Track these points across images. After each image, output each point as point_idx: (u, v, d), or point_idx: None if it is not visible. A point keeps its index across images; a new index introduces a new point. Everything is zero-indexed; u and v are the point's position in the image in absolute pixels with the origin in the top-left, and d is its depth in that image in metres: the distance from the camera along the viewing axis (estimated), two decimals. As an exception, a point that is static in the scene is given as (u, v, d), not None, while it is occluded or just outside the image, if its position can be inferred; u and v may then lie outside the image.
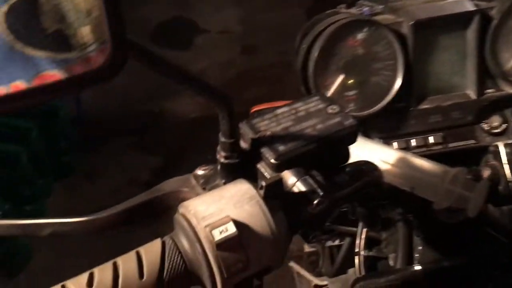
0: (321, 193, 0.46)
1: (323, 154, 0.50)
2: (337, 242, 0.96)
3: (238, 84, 2.82)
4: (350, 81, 0.71)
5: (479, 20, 0.69)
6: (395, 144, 0.73)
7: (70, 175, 2.31)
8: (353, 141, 0.51)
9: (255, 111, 0.99)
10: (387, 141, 0.73)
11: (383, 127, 0.73)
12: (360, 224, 0.82)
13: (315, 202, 0.45)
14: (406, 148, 0.73)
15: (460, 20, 0.69)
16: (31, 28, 0.29)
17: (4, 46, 0.29)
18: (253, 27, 3.15)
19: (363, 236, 0.84)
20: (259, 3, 3.25)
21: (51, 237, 0.52)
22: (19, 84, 0.30)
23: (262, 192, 0.44)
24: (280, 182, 0.45)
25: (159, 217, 0.53)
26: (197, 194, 0.51)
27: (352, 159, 0.69)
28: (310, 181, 0.47)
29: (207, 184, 0.52)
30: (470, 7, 0.69)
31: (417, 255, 0.78)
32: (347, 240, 0.91)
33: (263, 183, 0.44)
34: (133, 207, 0.52)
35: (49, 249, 1.99)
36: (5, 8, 0.29)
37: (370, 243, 0.84)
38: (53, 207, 2.16)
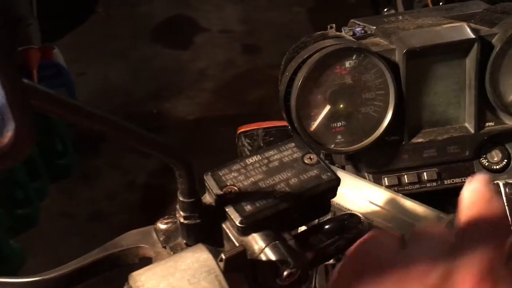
0: (292, 263, 0.40)
1: (296, 211, 0.44)
2: (331, 261, 0.91)
3: (239, 85, 2.77)
4: (337, 112, 0.65)
5: (479, 48, 0.63)
6: (385, 180, 0.67)
7: (66, 177, 2.28)
8: (332, 197, 0.46)
9: (241, 132, 0.94)
10: (377, 176, 0.68)
11: (373, 162, 0.67)
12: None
13: (285, 274, 0.40)
14: (397, 184, 0.67)
15: (458, 48, 0.63)
16: None
17: None
18: (254, 26, 3.08)
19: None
20: (260, 2, 3.19)
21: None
22: None
23: (222, 264, 0.39)
24: (243, 253, 0.39)
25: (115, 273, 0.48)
26: (156, 253, 0.46)
27: (337, 199, 0.64)
28: (280, 247, 0.41)
29: (169, 242, 0.46)
30: (470, 34, 0.62)
31: None
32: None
33: (223, 256, 0.38)
34: (86, 265, 0.47)
35: (44, 253, 1.96)
36: None
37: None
38: (49, 210, 2.13)
